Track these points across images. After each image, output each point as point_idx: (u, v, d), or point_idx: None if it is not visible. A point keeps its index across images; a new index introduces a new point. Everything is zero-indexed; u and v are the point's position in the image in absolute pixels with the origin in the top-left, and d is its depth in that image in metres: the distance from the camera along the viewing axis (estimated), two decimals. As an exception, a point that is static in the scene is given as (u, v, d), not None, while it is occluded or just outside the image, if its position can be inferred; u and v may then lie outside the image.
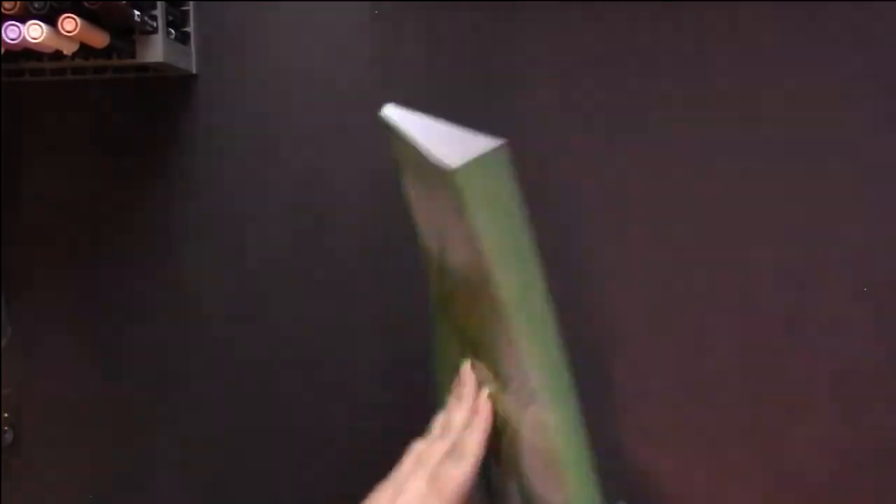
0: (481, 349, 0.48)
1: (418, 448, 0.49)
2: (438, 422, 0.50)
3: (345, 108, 0.58)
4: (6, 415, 0.59)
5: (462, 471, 0.47)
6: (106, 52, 0.52)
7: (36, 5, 0.46)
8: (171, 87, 0.59)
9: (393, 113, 0.45)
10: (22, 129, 0.59)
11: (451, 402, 0.51)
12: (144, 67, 0.57)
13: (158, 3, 0.53)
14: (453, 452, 0.48)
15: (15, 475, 0.60)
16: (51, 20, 0.46)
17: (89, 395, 0.60)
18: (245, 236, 0.59)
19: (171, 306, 0.60)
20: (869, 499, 0.58)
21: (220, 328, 0.59)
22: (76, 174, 0.60)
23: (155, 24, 0.53)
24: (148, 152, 0.59)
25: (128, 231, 0.60)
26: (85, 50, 0.50)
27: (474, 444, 0.48)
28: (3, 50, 0.47)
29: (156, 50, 0.53)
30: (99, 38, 0.49)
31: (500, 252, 0.42)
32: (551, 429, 0.45)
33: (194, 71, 0.59)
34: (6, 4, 0.46)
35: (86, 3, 0.46)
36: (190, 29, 0.58)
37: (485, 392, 0.50)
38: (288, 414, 0.57)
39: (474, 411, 0.50)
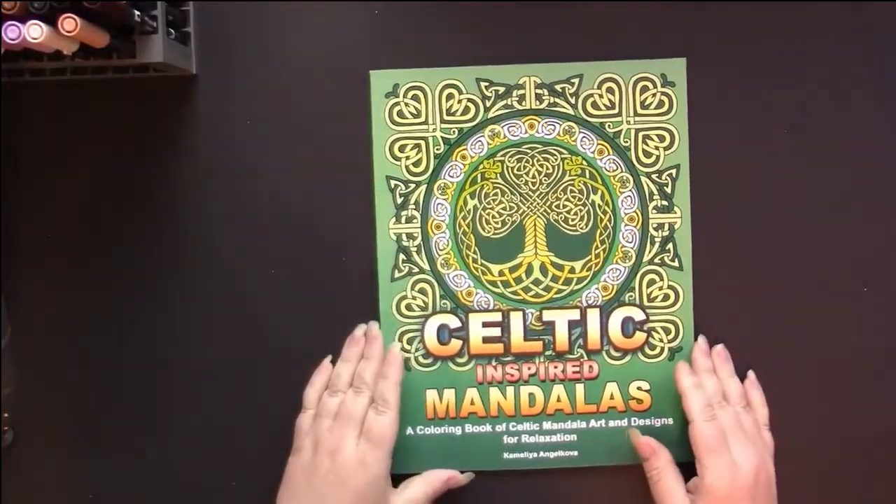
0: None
1: (330, 403, 0.54)
2: (342, 379, 0.55)
3: (346, 108, 0.58)
4: (6, 415, 0.59)
5: (390, 418, 0.53)
6: (106, 52, 0.52)
7: (36, 5, 0.46)
8: (171, 87, 0.59)
9: None
10: (22, 129, 0.59)
11: (349, 358, 0.56)
12: (144, 67, 0.57)
13: (158, 3, 0.53)
14: (375, 404, 0.53)
15: (15, 475, 0.60)
16: (51, 20, 0.46)
17: (89, 395, 0.60)
18: (246, 236, 0.59)
19: (171, 306, 0.60)
20: (867, 492, 0.58)
21: (221, 328, 0.59)
22: (76, 174, 0.59)
23: (155, 24, 0.53)
24: (148, 152, 0.59)
25: (127, 231, 0.60)
26: (85, 50, 0.50)
27: (395, 393, 0.54)
28: (2, 50, 0.47)
29: (156, 50, 0.53)
30: (99, 38, 0.49)
31: None
32: None
33: (194, 71, 0.59)
34: (6, 4, 0.46)
35: (86, 3, 0.46)
36: (190, 29, 0.58)
37: (396, 345, 0.57)
38: (292, 416, 0.57)
39: (388, 363, 0.55)
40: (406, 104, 0.57)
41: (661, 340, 0.57)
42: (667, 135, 0.56)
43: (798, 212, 0.58)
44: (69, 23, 0.46)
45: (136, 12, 0.51)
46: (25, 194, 0.60)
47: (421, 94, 0.57)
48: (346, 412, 0.53)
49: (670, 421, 0.57)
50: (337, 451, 0.52)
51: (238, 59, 0.59)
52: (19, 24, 0.45)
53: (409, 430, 0.58)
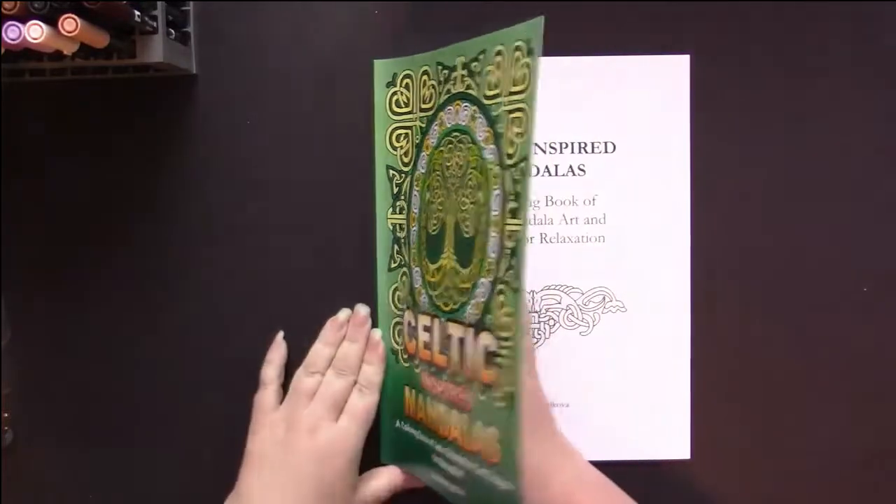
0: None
1: (308, 383, 0.54)
2: (321, 360, 0.55)
3: (346, 108, 0.58)
4: (6, 415, 0.59)
5: (373, 400, 0.54)
6: (106, 52, 0.52)
7: (36, 5, 0.46)
8: (171, 87, 0.59)
9: None
10: (22, 129, 0.59)
11: (330, 341, 0.55)
12: (144, 67, 0.57)
13: (158, 3, 0.53)
14: (359, 385, 0.54)
15: (15, 475, 0.60)
16: (51, 20, 0.46)
17: (89, 395, 0.60)
18: (246, 237, 0.59)
19: (172, 305, 0.60)
20: (868, 492, 0.58)
21: (221, 328, 0.59)
22: (76, 174, 0.59)
23: (155, 24, 0.53)
24: (148, 152, 0.59)
25: (128, 231, 0.60)
26: (85, 50, 0.50)
27: (378, 377, 0.55)
28: (3, 50, 0.47)
29: (156, 50, 0.53)
30: (99, 38, 0.49)
31: None
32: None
33: (194, 71, 0.59)
34: (6, 4, 0.46)
35: (86, 3, 0.46)
36: (190, 29, 0.58)
37: (377, 332, 0.56)
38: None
39: (372, 349, 0.55)
40: (401, 93, 0.55)
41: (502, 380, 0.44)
42: (522, 116, 0.43)
43: (798, 210, 0.58)
44: (69, 23, 0.46)
45: (136, 12, 0.51)
46: (25, 194, 0.60)
47: (410, 82, 0.54)
48: (329, 393, 0.53)
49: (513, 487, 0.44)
50: (317, 430, 0.52)
51: (238, 59, 0.59)
52: (19, 25, 0.45)
53: (397, 423, 0.56)
